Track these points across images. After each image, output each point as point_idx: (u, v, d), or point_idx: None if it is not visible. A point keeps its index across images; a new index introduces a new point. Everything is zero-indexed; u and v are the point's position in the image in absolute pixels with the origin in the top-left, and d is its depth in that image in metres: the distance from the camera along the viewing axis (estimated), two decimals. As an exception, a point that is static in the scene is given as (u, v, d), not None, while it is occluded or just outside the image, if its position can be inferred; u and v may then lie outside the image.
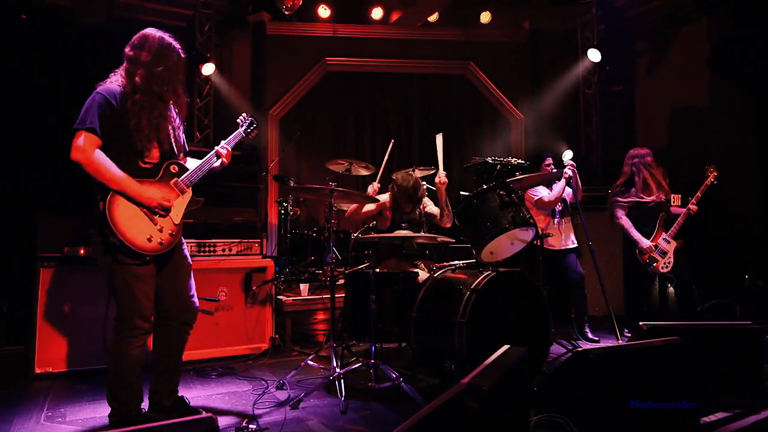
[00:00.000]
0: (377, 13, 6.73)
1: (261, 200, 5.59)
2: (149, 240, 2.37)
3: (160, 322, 2.59)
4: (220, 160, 2.66)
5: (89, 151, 2.26)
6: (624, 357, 2.31)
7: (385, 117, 7.01)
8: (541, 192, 4.50)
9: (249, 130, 2.85)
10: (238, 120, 2.86)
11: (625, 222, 4.39)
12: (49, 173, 4.61)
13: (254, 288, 4.12)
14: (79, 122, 2.28)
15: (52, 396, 3.17)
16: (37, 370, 3.48)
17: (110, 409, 2.49)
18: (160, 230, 2.42)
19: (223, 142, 2.70)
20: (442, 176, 3.79)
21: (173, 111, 2.56)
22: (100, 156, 2.29)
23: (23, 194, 4.50)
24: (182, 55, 2.50)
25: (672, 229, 4.28)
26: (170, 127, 2.51)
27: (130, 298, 2.41)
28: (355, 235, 4.87)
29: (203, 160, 2.62)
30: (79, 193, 2.59)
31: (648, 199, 4.33)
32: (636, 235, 4.32)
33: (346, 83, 6.88)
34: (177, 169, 2.51)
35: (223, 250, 4.12)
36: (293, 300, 4.49)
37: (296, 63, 6.59)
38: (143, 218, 2.37)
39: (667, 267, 4.27)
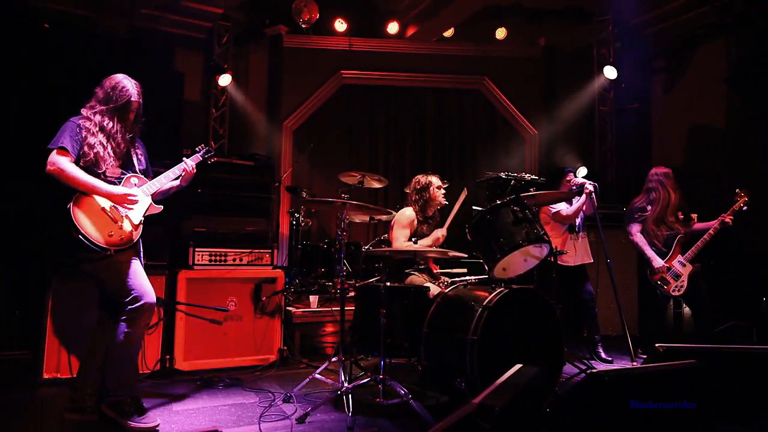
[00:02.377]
0: (393, 27, 6.77)
1: (273, 211, 5.60)
2: (110, 235, 2.71)
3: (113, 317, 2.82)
4: (181, 176, 3.04)
5: (60, 163, 2.63)
6: (640, 380, 2.25)
7: (398, 131, 7.01)
8: (560, 206, 4.41)
9: (206, 156, 3.23)
10: (197, 148, 3.24)
11: (639, 239, 4.31)
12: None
13: (264, 298, 4.11)
14: (52, 143, 2.68)
15: (58, 402, 3.16)
16: (45, 376, 3.48)
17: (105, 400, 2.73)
18: (120, 227, 2.75)
19: (186, 160, 3.07)
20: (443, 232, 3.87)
21: (123, 143, 2.87)
22: (71, 166, 2.66)
23: (40, 200, 4.54)
24: (133, 100, 2.86)
25: (689, 252, 4.17)
26: (129, 153, 2.90)
27: (126, 282, 2.72)
28: (366, 247, 4.85)
29: (162, 174, 2.98)
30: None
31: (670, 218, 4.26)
32: (650, 253, 4.23)
33: (360, 96, 6.90)
34: (137, 181, 2.91)
35: (234, 260, 4.12)
36: (302, 312, 4.47)
37: (311, 75, 6.63)
38: (104, 217, 2.71)
39: (679, 290, 4.15)
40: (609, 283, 5.18)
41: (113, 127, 2.80)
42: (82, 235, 2.62)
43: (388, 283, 3.23)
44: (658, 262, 4.19)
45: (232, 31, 6.37)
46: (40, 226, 4.01)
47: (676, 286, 4.15)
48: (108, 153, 2.77)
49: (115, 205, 2.75)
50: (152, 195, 2.93)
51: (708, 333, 4.20)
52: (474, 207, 4.53)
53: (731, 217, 4.11)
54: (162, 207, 2.96)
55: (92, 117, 2.77)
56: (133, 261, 2.79)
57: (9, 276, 4.50)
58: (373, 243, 4.92)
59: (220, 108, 6.34)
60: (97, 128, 2.76)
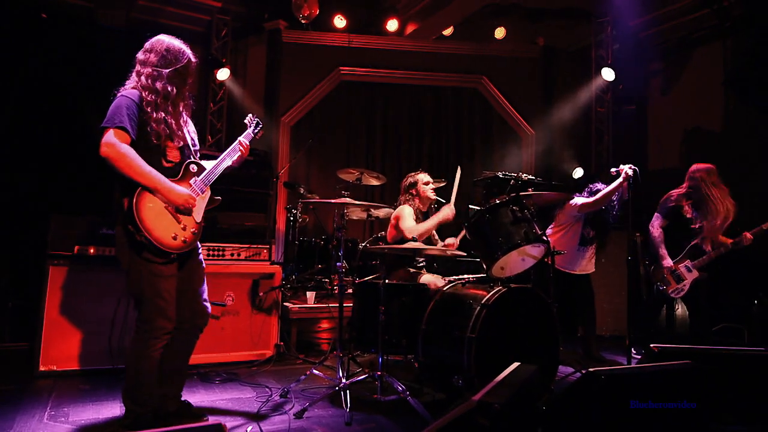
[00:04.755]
0: (392, 24, 6.77)
1: (270, 206, 5.61)
2: (174, 238, 2.40)
3: None
4: (238, 155, 2.69)
5: (120, 146, 2.28)
6: (636, 379, 2.28)
7: (396, 128, 7.03)
8: (579, 199, 4.20)
9: (256, 131, 2.87)
10: (246, 121, 2.90)
11: (658, 234, 4.12)
12: (63, 172, 4.64)
13: (261, 294, 4.11)
14: (107, 121, 2.31)
15: (55, 395, 3.15)
16: (42, 368, 3.47)
17: (124, 410, 2.48)
18: (184, 228, 2.45)
19: (241, 138, 2.75)
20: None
21: (184, 113, 2.59)
22: (131, 151, 2.31)
23: (37, 192, 4.52)
24: (192, 60, 2.56)
25: (699, 260, 4.04)
26: (184, 128, 2.56)
27: (154, 298, 2.41)
28: (363, 244, 4.87)
29: (219, 158, 2.65)
30: (93, 193, 2.62)
31: (699, 223, 4.04)
32: (663, 251, 4.09)
33: (359, 93, 6.91)
34: (196, 168, 2.56)
35: (232, 255, 4.11)
36: (299, 307, 4.47)
37: (310, 71, 6.63)
38: (168, 216, 2.40)
39: (678, 293, 4.11)
40: (603, 283, 5.24)
41: (179, 94, 2.47)
42: (146, 238, 2.30)
43: (387, 281, 3.24)
44: (668, 261, 4.09)
45: (230, 24, 6.35)
46: (39, 217, 3.97)
47: (676, 289, 4.10)
48: (173, 130, 2.45)
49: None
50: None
51: (700, 336, 4.23)
52: (471, 206, 4.54)
53: (751, 237, 3.97)
54: (221, 199, 2.64)
55: (153, 85, 2.39)
56: (171, 276, 2.45)
57: (3, 267, 4.49)
58: (371, 240, 4.94)
59: (217, 102, 6.32)
60: (162, 97, 2.41)
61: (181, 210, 2.43)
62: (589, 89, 6.84)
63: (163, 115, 2.41)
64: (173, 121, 2.45)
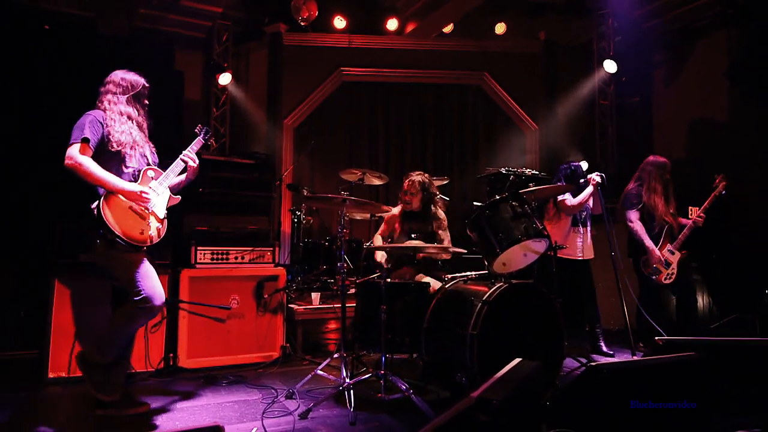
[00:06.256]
0: (392, 24, 6.77)
1: (274, 209, 5.63)
2: (141, 233, 2.75)
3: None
4: (185, 166, 3.02)
5: (78, 157, 2.67)
6: (639, 372, 2.26)
7: (399, 127, 7.02)
8: (567, 196, 4.36)
9: (207, 137, 3.23)
10: (196, 129, 3.23)
11: (639, 227, 4.27)
12: (67, 180, 4.68)
13: (266, 296, 4.13)
14: (72, 138, 2.72)
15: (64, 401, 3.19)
16: (51, 375, 3.52)
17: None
18: (149, 224, 2.80)
19: (186, 151, 3.05)
20: None
21: (144, 132, 2.99)
22: (88, 161, 2.70)
23: (41, 200, 4.57)
24: (146, 86, 3.04)
25: (677, 240, 4.23)
26: (145, 144, 2.97)
27: (144, 280, 2.73)
28: (368, 244, 4.87)
29: (169, 168, 2.99)
30: (95, 200, 2.71)
31: (660, 208, 4.28)
32: (649, 242, 4.21)
33: (360, 93, 6.92)
34: (153, 174, 2.95)
35: (236, 258, 4.14)
36: (304, 309, 4.49)
37: (311, 73, 6.64)
38: (133, 215, 2.75)
39: (670, 278, 4.21)
40: (609, 277, 5.20)
41: (138, 113, 2.95)
42: (118, 237, 2.64)
43: (389, 279, 3.25)
44: (657, 252, 4.20)
45: (231, 29, 6.39)
46: (44, 225, 4.02)
47: (667, 275, 4.21)
48: (134, 141, 2.86)
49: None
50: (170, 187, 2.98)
51: (694, 319, 4.27)
52: (474, 203, 4.53)
53: (705, 209, 4.23)
54: (180, 197, 3.02)
55: (115, 108, 2.86)
56: (144, 260, 2.79)
57: (14, 275, 4.54)
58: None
59: (220, 107, 6.36)
60: (125, 117, 2.87)
61: (139, 205, 2.76)
62: (591, 82, 6.80)
63: (125, 128, 2.84)
64: (132, 133, 2.87)
